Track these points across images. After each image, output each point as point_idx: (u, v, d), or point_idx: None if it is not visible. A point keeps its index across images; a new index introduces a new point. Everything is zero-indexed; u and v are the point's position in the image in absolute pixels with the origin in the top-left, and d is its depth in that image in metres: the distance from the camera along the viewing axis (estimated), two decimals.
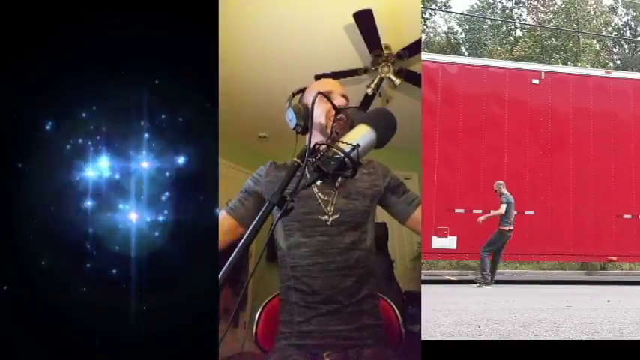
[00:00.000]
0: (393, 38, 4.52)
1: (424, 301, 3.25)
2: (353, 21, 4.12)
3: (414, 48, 4.53)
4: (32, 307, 1.80)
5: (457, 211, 7.01)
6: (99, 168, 1.86)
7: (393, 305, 1.79)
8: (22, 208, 1.82)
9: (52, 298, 1.81)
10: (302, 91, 1.76)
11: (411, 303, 4.40)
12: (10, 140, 1.81)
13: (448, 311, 2.93)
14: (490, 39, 19.40)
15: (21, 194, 1.81)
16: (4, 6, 1.79)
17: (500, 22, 19.82)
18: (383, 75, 4.88)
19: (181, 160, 1.89)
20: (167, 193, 1.89)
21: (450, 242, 7.13)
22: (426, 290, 4.15)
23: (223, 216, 1.72)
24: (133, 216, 1.87)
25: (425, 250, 7.10)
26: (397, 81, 4.94)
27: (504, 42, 19.49)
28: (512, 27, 20.40)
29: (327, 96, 1.56)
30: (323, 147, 1.29)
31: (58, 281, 1.82)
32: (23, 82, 1.81)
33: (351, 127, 1.37)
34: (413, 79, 4.95)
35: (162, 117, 1.88)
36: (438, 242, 7.16)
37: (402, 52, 4.59)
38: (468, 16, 19.76)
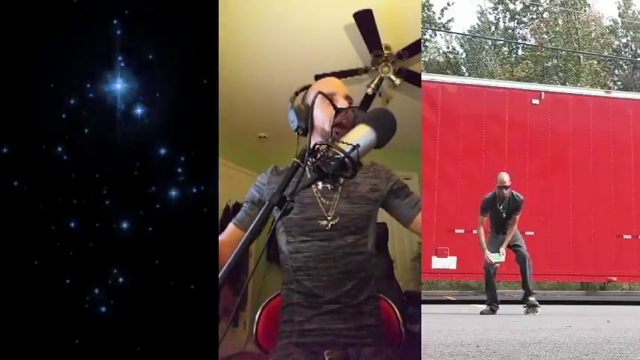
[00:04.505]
0: (393, 38, 4.52)
1: (423, 320, 3.24)
2: (353, 21, 4.12)
3: (414, 48, 4.53)
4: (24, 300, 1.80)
5: (457, 231, 6.97)
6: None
7: (393, 305, 1.79)
8: None
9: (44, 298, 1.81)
10: (305, 89, 1.74)
11: (411, 303, 4.40)
12: None
13: (448, 332, 2.91)
14: (490, 59, 19.21)
15: None
16: None
17: (501, 42, 19.72)
18: (383, 75, 4.88)
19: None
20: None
21: (450, 262, 7.08)
22: (426, 310, 4.13)
23: (231, 229, 1.73)
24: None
25: (425, 271, 7.01)
26: (397, 81, 4.94)
27: (505, 62, 19.39)
28: (514, 47, 20.34)
29: (329, 98, 1.55)
30: (323, 147, 1.30)
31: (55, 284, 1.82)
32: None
33: (352, 127, 1.37)
34: (413, 79, 4.94)
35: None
36: (438, 262, 7.09)
37: (402, 52, 4.59)
38: (469, 37, 19.60)
